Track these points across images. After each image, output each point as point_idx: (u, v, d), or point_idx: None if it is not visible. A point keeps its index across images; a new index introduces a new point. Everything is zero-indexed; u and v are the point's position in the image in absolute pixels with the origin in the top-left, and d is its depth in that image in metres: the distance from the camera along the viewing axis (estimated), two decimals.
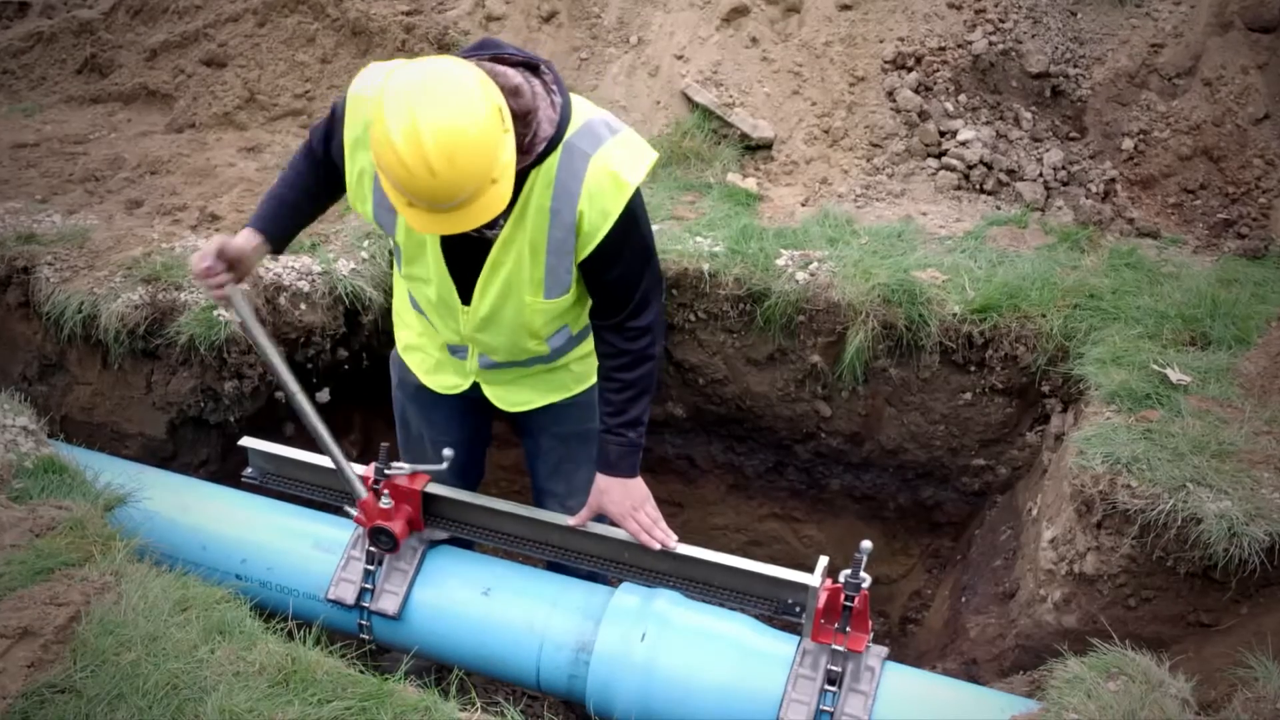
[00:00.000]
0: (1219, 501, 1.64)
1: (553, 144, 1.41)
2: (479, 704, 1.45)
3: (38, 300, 2.29)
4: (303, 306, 2.31)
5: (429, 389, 1.78)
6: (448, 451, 1.73)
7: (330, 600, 1.78)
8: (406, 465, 1.75)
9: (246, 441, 1.94)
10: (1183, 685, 1.46)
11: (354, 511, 1.75)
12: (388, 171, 1.28)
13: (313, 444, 2.00)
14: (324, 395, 2.49)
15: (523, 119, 1.36)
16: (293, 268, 2.36)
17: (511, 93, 1.34)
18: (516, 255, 1.50)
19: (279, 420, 2.46)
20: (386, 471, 1.74)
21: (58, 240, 2.41)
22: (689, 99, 2.92)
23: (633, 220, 1.49)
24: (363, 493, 1.72)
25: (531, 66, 1.41)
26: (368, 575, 1.78)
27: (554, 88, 1.42)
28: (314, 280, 2.35)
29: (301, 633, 1.51)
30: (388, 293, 2.47)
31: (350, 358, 2.53)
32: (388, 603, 1.77)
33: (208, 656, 1.40)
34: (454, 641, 1.76)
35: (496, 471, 2.69)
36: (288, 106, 3.11)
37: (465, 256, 1.54)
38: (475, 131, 1.25)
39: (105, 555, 1.57)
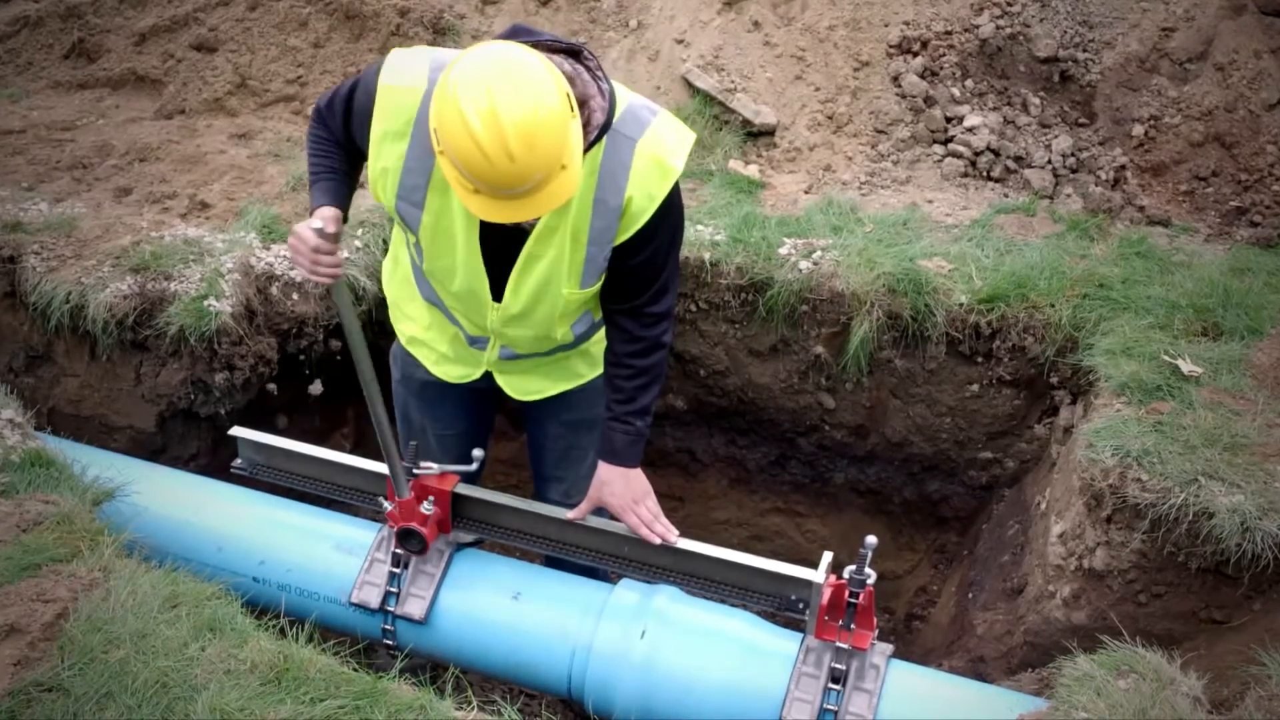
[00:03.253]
0: (1231, 495, 1.62)
1: (602, 132, 1.39)
2: (475, 703, 1.42)
3: (24, 290, 2.26)
4: (295, 296, 2.27)
5: (435, 383, 1.75)
6: (478, 452, 1.71)
7: (354, 604, 1.74)
8: (435, 465, 1.71)
9: (236, 431, 1.90)
10: (1194, 683, 1.44)
11: (388, 505, 1.69)
12: (460, 158, 1.25)
13: (307, 435, 1.97)
14: (316, 387, 2.46)
15: (581, 107, 1.34)
16: (285, 257, 2.32)
17: (567, 80, 1.31)
18: (557, 246, 1.47)
19: (271, 412, 2.43)
20: (415, 471, 1.69)
21: (44, 229, 2.36)
22: (690, 84, 2.87)
23: (671, 206, 1.48)
24: (405, 492, 1.66)
25: (574, 53, 1.38)
26: (393, 578, 1.73)
27: (599, 74, 1.39)
28: None
29: (294, 630, 1.47)
30: (381, 283, 2.43)
31: (344, 348, 2.49)
32: (414, 607, 1.72)
33: (198, 654, 1.38)
34: (483, 648, 1.72)
35: (493, 464, 2.66)
36: (280, 92, 3.05)
37: (498, 250, 1.50)
38: (552, 116, 1.24)
39: (93, 551, 1.54)
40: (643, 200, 1.44)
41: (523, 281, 1.52)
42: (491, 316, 1.57)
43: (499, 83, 1.22)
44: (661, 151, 1.43)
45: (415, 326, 1.73)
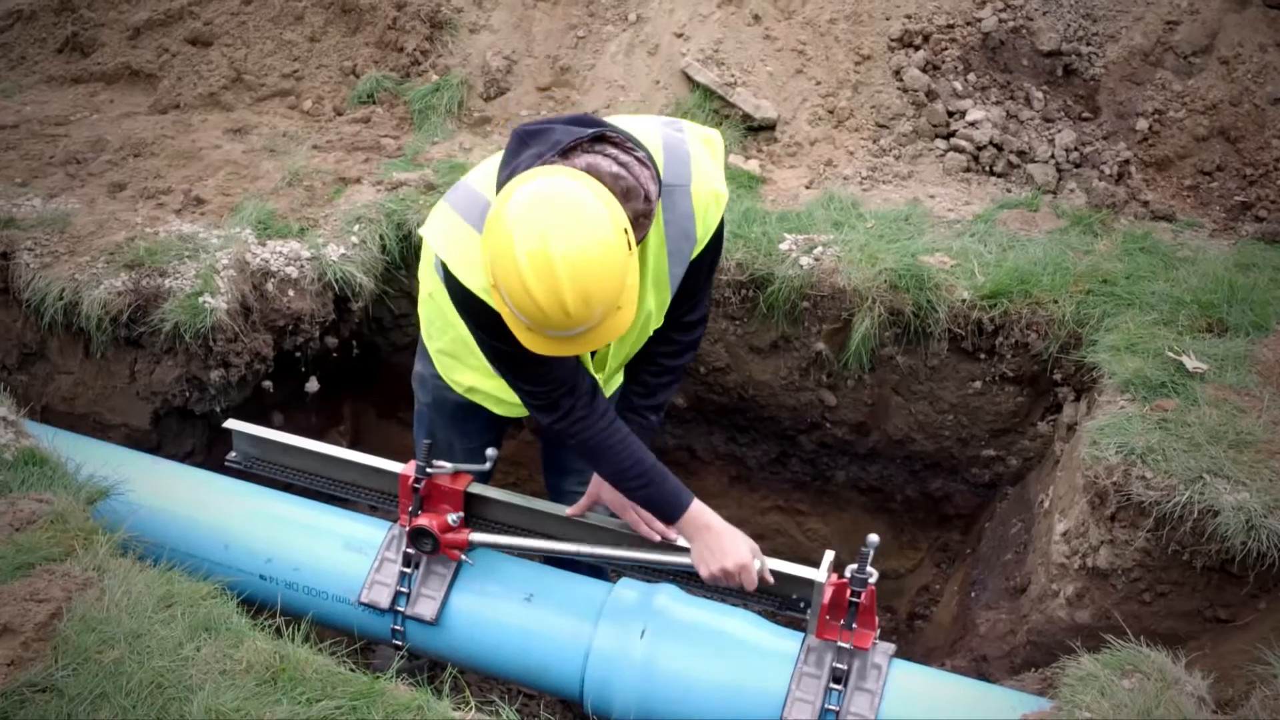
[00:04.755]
0: (1236, 493, 1.60)
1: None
2: (473, 703, 1.41)
3: (17, 287, 2.24)
4: (291, 293, 2.26)
5: (467, 405, 1.73)
6: (491, 452, 1.70)
7: (363, 604, 1.72)
8: (449, 465, 1.69)
9: (232, 424, 1.89)
10: (1199, 683, 1.43)
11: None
12: (516, 303, 1.24)
13: (303, 433, 1.95)
14: (312, 385, 2.44)
15: (644, 212, 1.33)
16: (281, 253, 2.30)
17: (624, 196, 1.29)
18: (643, 305, 1.49)
19: (266, 409, 2.41)
20: (428, 470, 1.67)
21: (38, 225, 2.35)
22: (689, 78, 2.84)
23: (721, 226, 1.51)
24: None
25: (599, 137, 1.34)
26: (403, 578, 1.71)
27: (629, 145, 1.35)
28: (303, 266, 2.30)
29: (290, 630, 1.46)
30: (379, 279, 2.42)
31: (340, 345, 2.48)
32: (425, 607, 1.70)
33: (193, 654, 1.36)
34: (495, 650, 1.70)
35: None
36: (275, 87, 3.03)
37: None
38: (610, 267, 1.23)
39: (87, 550, 1.52)
40: (704, 233, 1.47)
41: (621, 346, 1.55)
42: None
43: (555, 234, 1.20)
44: (712, 182, 1.45)
45: (477, 377, 1.69)
